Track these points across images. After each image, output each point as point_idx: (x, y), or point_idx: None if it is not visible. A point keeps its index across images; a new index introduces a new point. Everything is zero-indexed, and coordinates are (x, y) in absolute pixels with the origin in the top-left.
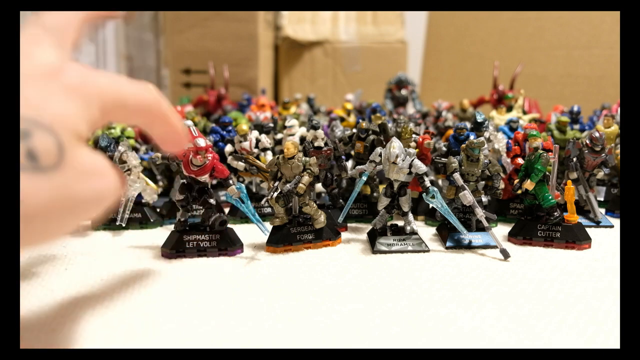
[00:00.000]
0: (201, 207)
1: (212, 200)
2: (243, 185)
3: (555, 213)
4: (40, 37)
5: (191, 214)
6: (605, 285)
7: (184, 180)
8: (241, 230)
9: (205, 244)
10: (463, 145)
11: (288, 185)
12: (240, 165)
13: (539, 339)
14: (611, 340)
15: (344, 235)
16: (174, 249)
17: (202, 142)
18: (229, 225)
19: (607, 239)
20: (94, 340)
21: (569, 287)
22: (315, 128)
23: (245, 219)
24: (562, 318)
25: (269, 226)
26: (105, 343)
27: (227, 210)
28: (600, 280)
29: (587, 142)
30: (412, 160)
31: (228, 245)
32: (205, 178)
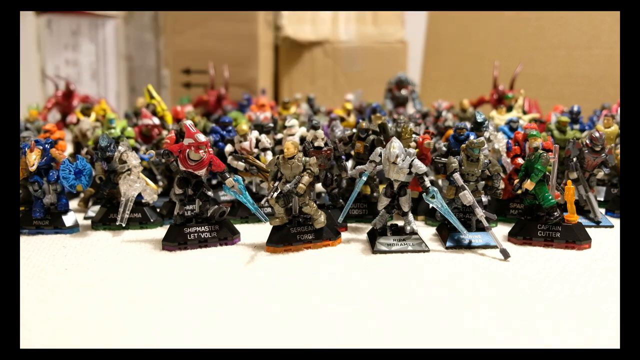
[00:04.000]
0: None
1: (209, 193)
2: (240, 177)
3: (555, 213)
4: None
5: (187, 210)
6: (605, 285)
7: (181, 175)
8: (241, 229)
9: (206, 235)
10: (463, 145)
11: (288, 185)
12: (240, 165)
13: (539, 339)
14: (611, 340)
15: (344, 235)
16: (175, 242)
17: (202, 137)
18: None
19: (607, 239)
20: (93, 340)
21: (569, 287)
22: (315, 128)
23: (245, 219)
24: (562, 318)
25: (269, 226)
26: (105, 343)
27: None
28: (601, 280)
29: (587, 142)
30: (412, 160)
31: (228, 235)
32: (202, 172)
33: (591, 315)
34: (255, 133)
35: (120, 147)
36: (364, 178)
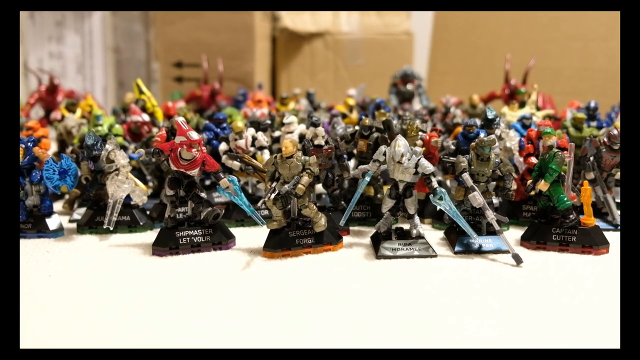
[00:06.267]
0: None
1: (202, 194)
2: (235, 178)
3: (571, 216)
4: None
5: (179, 212)
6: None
7: (172, 176)
8: (236, 233)
9: (199, 239)
10: (473, 144)
11: (286, 186)
12: (236, 164)
13: (547, 342)
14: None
15: (346, 239)
16: (166, 246)
17: (195, 135)
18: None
19: None
20: (83, 345)
21: (584, 293)
22: (315, 125)
23: (241, 222)
24: (576, 326)
25: (266, 229)
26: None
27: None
28: (617, 287)
29: (605, 140)
30: (419, 159)
31: (222, 238)
32: (195, 172)
33: (604, 322)
34: (251, 130)
35: (107, 146)
36: (367, 178)
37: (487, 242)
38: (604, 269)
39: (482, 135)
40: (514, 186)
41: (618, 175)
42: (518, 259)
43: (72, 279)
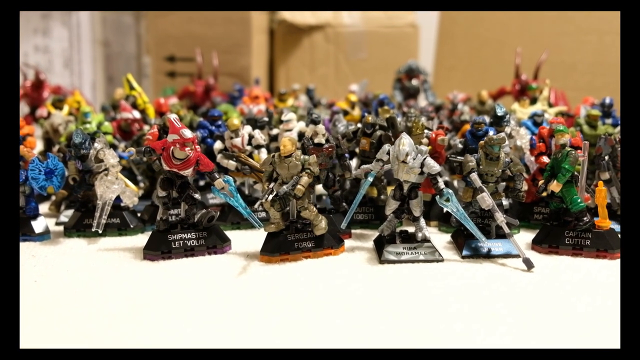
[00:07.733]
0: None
1: (196, 195)
2: (231, 178)
3: (585, 218)
4: None
5: (171, 214)
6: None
7: (164, 176)
8: (232, 236)
9: (193, 242)
10: (481, 142)
11: (285, 186)
12: (232, 164)
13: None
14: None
15: (348, 243)
16: (158, 250)
17: (188, 133)
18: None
19: None
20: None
21: (599, 300)
22: (315, 122)
23: (237, 225)
24: (591, 335)
25: (264, 232)
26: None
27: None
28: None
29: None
30: (424, 158)
31: (217, 242)
32: (188, 172)
33: (613, 326)
34: (248, 128)
35: (96, 144)
36: (370, 179)
37: (497, 246)
38: (618, 274)
39: (491, 133)
40: (525, 187)
41: None
42: (529, 264)
43: (59, 284)
